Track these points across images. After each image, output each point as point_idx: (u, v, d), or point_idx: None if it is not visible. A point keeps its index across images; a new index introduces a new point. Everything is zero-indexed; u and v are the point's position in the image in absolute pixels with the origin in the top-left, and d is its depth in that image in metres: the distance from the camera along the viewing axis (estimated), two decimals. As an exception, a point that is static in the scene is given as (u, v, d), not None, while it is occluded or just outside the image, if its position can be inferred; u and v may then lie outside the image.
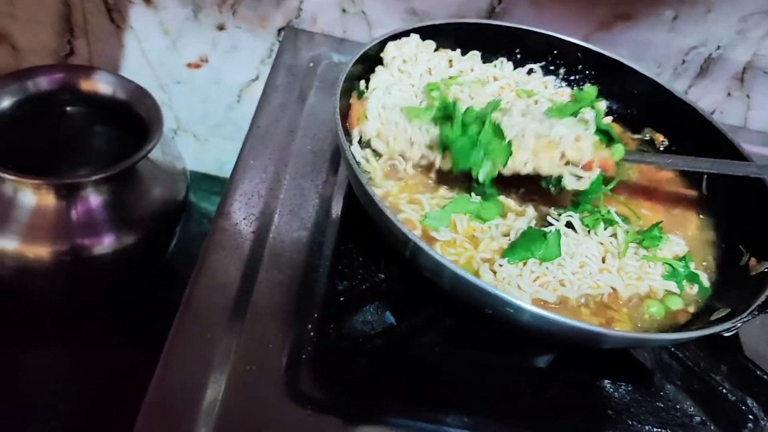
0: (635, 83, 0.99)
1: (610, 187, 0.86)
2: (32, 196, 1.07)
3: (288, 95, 1.08)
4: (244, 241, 0.83)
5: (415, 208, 0.80)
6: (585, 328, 0.66)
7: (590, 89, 0.95)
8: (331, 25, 1.27)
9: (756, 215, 0.85)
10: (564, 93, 0.99)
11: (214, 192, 1.57)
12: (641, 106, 1.00)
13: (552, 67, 1.03)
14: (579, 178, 0.80)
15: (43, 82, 1.20)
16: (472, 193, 0.83)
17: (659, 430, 0.75)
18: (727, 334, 0.74)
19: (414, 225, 0.78)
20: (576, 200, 0.84)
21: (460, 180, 0.84)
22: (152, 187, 1.18)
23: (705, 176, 0.95)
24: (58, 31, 1.32)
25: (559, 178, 0.81)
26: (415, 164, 0.85)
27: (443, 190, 0.84)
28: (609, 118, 0.92)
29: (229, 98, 1.42)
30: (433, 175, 0.85)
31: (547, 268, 0.75)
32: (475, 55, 0.98)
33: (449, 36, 0.97)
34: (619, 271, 0.78)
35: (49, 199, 1.07)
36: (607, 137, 0.85)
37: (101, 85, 1.22)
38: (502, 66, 0.99)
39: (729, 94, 1.32)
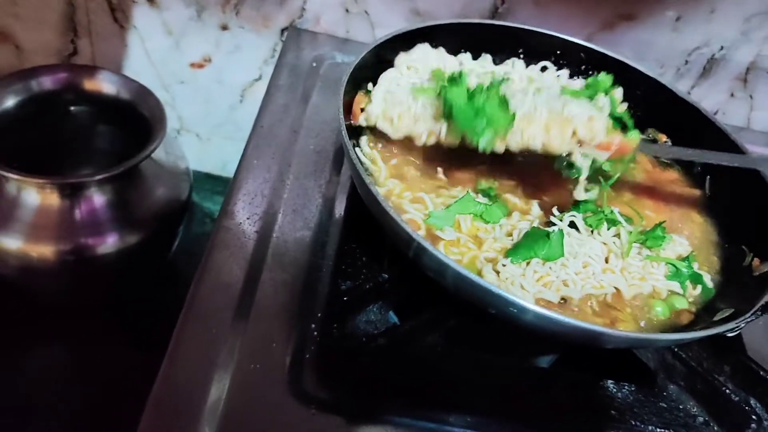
0: (638, 83, 0.99)
1: (611, 183, 0.86)
2: (36, 196, 1.07)
3: (291, 95, 1.08)
4: (247, 240, 0.83)
5: (418, 208, 0.80)
6: (588, 328, 0.66)
7: (605, 77, 0.94)
8: (334, 25, 1.27)
9: (759, 216, 0.85)
10: (579, 84, 0.98)
11: (216, 192, 1.57)
12: (644, 106, 1.00)
13: (555, 68, 1.02)
14: (587, 157, 0.81)
15: (47, 82, 1.20)
16: (478, 195, 0.83)
17: (662, 430, 0.75)
18: (730, 335, 0.74)
19: (418, 225, 0.78)
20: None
21: (467, 180, 0.85)
22: (155, 187, 1.18)
23: (708, 177, 0.95)
24: (62, 31, 1.32)
25: (572, 164, 0.80)
26: (421, 143, 0.84)
27: (448, 191, 0.84)
28: (624, 105, 0.92)
29: (232, 98, 1.42)
30: (441, 171, 0.86)
31: (550, 268, 0.75)
32: (486, 57, 0.98)
33: (452, 36, 0.97)
34: (622, 271, 0.78)
35: (52, 199, 1.08)
36: (621, 124, 0.85)
37: (105, 84, 1.22)
38: (514, 65, 0.99)
39: (732, 95, 1.32)
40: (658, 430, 0.75)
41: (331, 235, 0.86)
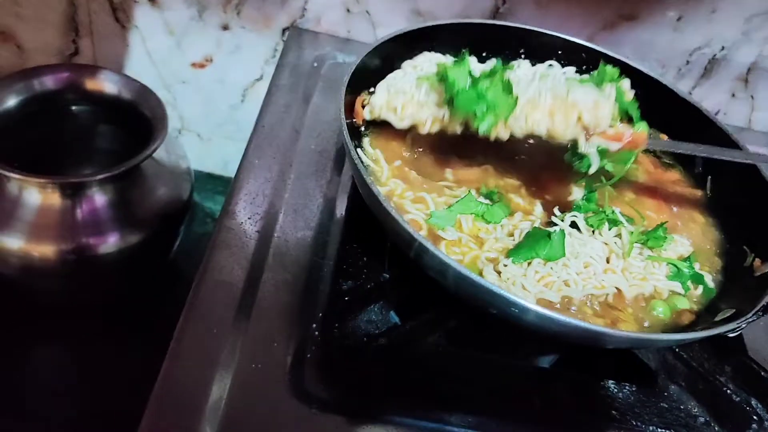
0: (639, 84, 0.98)
1: (613, 181, 0.86)
2: (37, 195, 1.07)
3: (292, 95, 1.08)
4: (248, 240, 0.83)
5: (420, 207, 0.80)
6: (589, 328, 0.66)
7: (612, 69, 0.93)
8: (336, 25, 1.27)
9: (760, 216, 0.85)
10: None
11: (218, 191, 1.57)
12: (645, 106, 0.99)
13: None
14: (591, 143, 0.81)
15: (49, 82, 1.20)
16: (481, 195, 0.83)
17: (663, 430, 0.75)
18: (731, 335, 0.74)
19: (419, 225, 0.78)
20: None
21: (473, 181, 0.85)
22: (157, 187, 1.18)
23: (709, 177, 0.95)
24: (63, 31, 1.32)
25: (582, 155, 0.80)
26: (426, 130, 0.84)
27: (452, 191, 0.84)
28: (632, 93, 0.91)
29: (233, 98, 1.42)
30: (449, 172, 0.86)
31: (551, 268, 0.75)
32: (492, 61, 0.98)
33: (453, 36, 0.97)
34: (623, 272, 0.78)
35: (54, 198, 1.07)
36: (627, 117, 0.85)
37: (106, 84, 1.22)
38: (520, 65, 0.99)
39: (733, 95, 1.32)
40: (659, 430, 0.75)
41: (332, 235, 0.86)
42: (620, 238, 0.80)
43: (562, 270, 0.75)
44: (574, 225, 0.80)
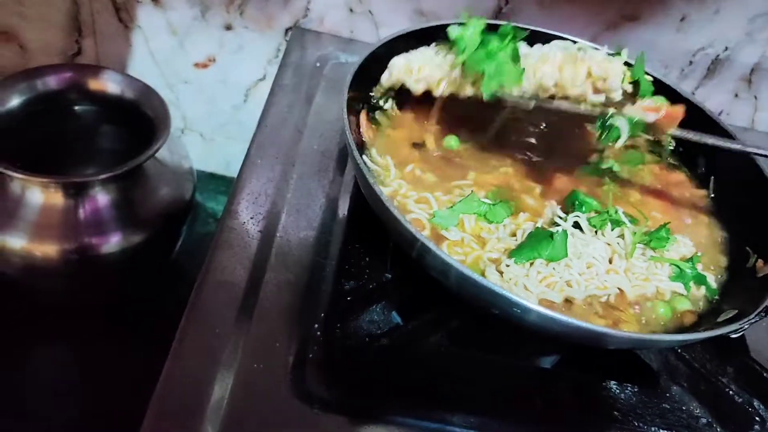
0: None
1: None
2: (40, 195, 1.07)
3: (295, 95, 1.08)
4: (251, 240, 0.83)
5: (423, 207, 0.80)
6: (591, 329, 0.66)
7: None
8: (338, 25, 1.27)
9: (763, 217, 0.85)
10: None
11: (220, 191, 1.57)
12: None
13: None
14: (626, 113, 0.81)
15: (52, 82, 1.20)
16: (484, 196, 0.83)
17: (665, 431, 0.75)
18: (733, 336, 0.74)
19: (422, 225, 0.78)
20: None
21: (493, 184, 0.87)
22: (159, 186, 1.18)
23: (712, 177, 0.95)
24: (66, 31, 1.32)
25: (611, 125, 0.80)
26: (439, 93, 0.86)
27: (461, 190, 0.85)
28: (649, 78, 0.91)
29: (236, 98, 1.43)
30: (472, 175, 0.87)
31: (553, 268, 0.75)
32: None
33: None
34: (626, 272, 0.78)
35: (56, 198, 1.08)
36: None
37: (109, 84, 1.22)
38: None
39: (736, 96, 1.32)
40: (661, 431, 0.75)
41: (334, 235, 0.86)
42: (623, 239, 0.80)
43: (564, 270, 0.75)
44: (576, 225, 0.80)
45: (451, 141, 0.91)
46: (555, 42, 0.91)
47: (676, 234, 0.83)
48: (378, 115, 0.92)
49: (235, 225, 0.84)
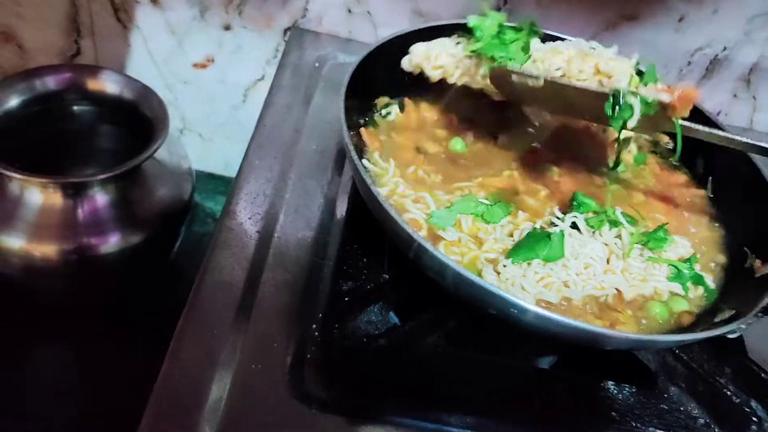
0: (641, 84, 0.99)
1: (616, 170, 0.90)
2: (39, 195, 1.07)
3: (293, 95, 1.08)
4: (249, 240, 0.83)
5: (420, 207, 0.80)
6: (589, 329, 0.66)
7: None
8: (337, 26, 1.27)
9: (760, 217, 0.85)
10: None
11: (219, 191, 1.57)
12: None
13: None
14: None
15: (50, 82, 1.21)
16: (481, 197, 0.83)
17: (663, 431, 0.75)
18: (731, 336, 0.74)
19: (419, 225, 0.78)
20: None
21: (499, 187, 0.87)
22: (158, 187, 1.18)
23: (710, 178, 0.95)
24: (65, 31, 1.33)
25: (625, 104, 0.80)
26: (454, 80, 0.89)
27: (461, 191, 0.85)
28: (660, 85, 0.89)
29: (234, 98, 1.43)
30: (479, 177, 0.87)
31: (551, 269, 0.75)
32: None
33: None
34: (623, 273, 0.78)
35: (55, 198, 1.08)
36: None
37: (108, 84, 1.23)
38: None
39: (735, 96, 1.32)
40: (659, 431, 0.75)
41: (332, 236, 0.86)
42: (620, 239, 0.80)
43: (561, 271, 0.75)
44: (574, 225, 0.80)
45: (457, 144, 0.91)
46: (569, 40, 0.93)
47: (676, 235, 0.83)
48: (379, 120, 0.93)
49: (233, 225, 0.85)
